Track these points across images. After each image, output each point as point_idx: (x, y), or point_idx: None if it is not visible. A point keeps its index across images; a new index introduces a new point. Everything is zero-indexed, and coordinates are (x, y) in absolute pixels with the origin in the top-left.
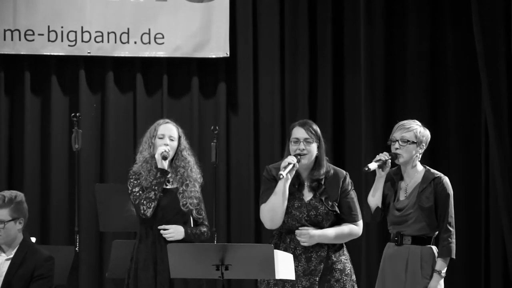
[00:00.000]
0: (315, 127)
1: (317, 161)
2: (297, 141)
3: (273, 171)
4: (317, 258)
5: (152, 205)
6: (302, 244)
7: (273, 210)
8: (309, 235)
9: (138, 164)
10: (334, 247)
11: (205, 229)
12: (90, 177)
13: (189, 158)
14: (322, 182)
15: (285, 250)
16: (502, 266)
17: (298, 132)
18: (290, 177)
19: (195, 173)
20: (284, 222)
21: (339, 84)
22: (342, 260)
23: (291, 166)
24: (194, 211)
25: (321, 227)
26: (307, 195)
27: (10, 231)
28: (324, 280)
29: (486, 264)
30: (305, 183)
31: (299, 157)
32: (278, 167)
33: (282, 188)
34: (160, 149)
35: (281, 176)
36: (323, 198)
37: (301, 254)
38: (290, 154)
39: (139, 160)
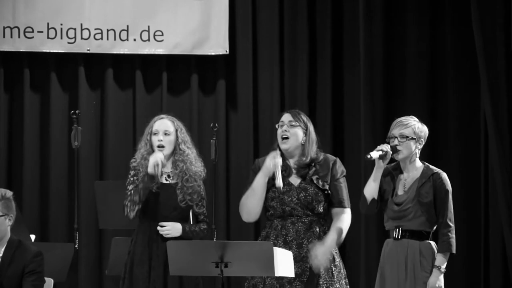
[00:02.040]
0: (303, 116)
1: (304, 146)
2: (282, 124)
3: (260, 164)
4: (308, 245)
5: (136, 208)
6: (319, 268)
7: (247, 205)
8: (320, 254)
9: (138, 160)
10: (325, 236)
11: (205, 226)
12: (90, 174)
13: (188, 151)
14: (312, 164)
15: (276, 237)
16: (502, 263)
17: (284, 117)
18: (270, 175)
19: (196, 167)
20: (274, 208)
21: (338, 80)
22: (332, 251)
23: (278, 171)
24: (194, 207)
25: (312, 209)
26: (296, 180)
27: (1, 227)
28: None
29: (486, 261)
30: (293, 170)
31: (284, 136)
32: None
33: (256, 184)
34: (152, 159)
35: (278, 185)
36: (314, 178)
37: (292, 241)
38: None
39: (138, 157)
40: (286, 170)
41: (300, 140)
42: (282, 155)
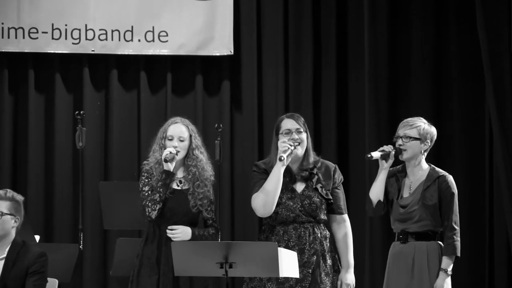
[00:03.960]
0: (302, 119)
1: (306, 151)
2: (289, 132)
3: (262, 166)
4: (310, 250)
5: (157, 207)
6: None
7: (267, 195)
8: (350, 280)
9: (151, 164)
10: (326, 242)
11: (213, 231)
12: (94, 175)
13: (201, 156)
14: (314, 172)
15: (278, 242)
16: (507, 265)
17: (289, 124)
18: (286, 164)
19: (207, 172)
20: (278, 213)
21: (343, 80)
22: (331, 255)
23: (289, 150)
24: (204, 212)
25: (315, 217)
26: (300, 187)
27: (5, 225)
28: (316, 273)
29: (490, 262)
30: (296, 176)
31: (296, 144)
32: (266, 162)
33: (278, 173)
34: (165, 152)
35: (282, 158)
36: (318, 187)
37: (294, 246)
38: (278, 149)
39: (152, 161)
40: (291, 177)
41: (306, 144)
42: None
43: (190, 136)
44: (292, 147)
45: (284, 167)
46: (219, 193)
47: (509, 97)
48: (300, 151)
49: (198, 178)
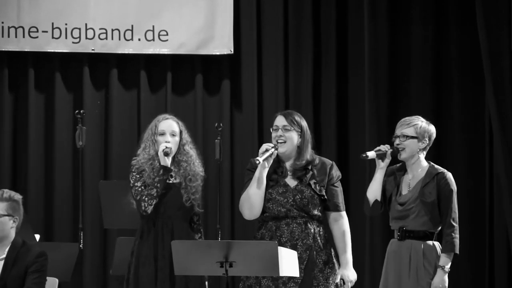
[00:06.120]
0: (298, 117)
1: (300, 149)
2: (277, 128)
3: (255, 163)
4: (302, 246)
5: (153, 203)
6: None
7: (249, 198)
8: (351, 276)
9: (141, 161)
10: (320, 238)
11: (200, 235)
12: (94, 174)
13: (191, 152)
14: (309, 168)
15: (271, 238)
16: (507, 264)
17: (278, 120)
18: (267, 165)
19: (197, 167)
20: (270, 209)
21: (343, 80)
22: (325, 251)
23: (268, 153)
24: (195, 206)
25: (307, 211)
26: (293, 182)
27: (4, 226)
28: (310, 268)
29: (490, 262)
30: (289, 172)
31: (277, 145)
32: None
33: (258, 175)
34: (162, 146)
35: (257, 162)
36: (311, 182)
37: (287, 242)
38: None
39: (143, 157)
40: (282, 172)
41: (295, 143)
42: (278, 157)
43: (181, 132)
44: (273, 149)
45: (267, 169)
46: (219, 191)
47: (509, 97)
48: (284, 149)
49: (189, 173)
